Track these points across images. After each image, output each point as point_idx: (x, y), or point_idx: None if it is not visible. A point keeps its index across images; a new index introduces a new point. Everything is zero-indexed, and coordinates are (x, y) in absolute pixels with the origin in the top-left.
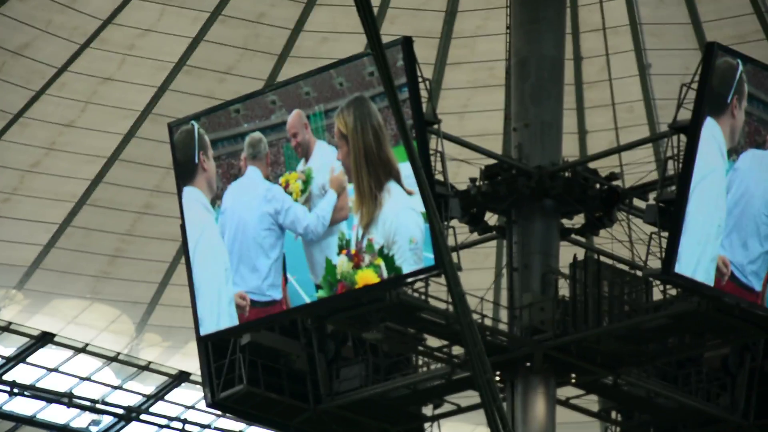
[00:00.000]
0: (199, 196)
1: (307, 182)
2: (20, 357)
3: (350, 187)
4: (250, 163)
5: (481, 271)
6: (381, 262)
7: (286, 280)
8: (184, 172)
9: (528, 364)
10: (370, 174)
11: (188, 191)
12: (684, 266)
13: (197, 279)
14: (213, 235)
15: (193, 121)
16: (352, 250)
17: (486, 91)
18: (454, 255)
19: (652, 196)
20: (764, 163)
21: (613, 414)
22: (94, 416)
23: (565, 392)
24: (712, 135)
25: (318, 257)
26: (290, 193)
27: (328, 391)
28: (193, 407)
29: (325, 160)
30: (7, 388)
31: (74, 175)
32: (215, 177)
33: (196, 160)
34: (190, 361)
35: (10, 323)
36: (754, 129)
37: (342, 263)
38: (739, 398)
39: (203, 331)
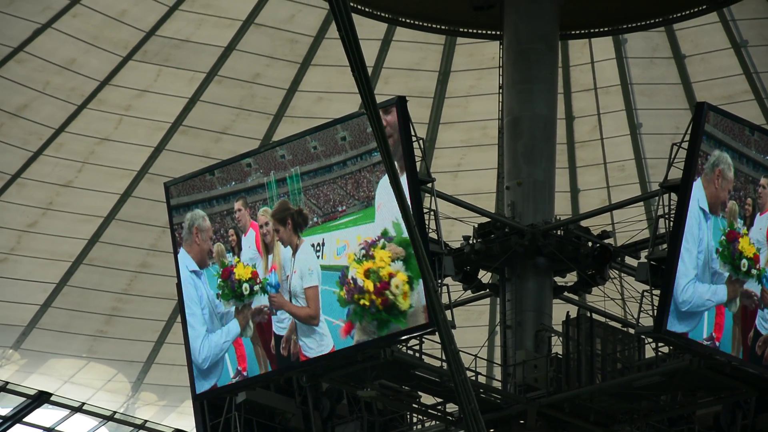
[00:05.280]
0: None
1: None
2: (17, 417)
3: None
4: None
5: (474, 328)
6: None
7: None
8: None
9: (522, 421)
10: None
11: None
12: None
13: None
14: None
15: None
16: None
17: (479, 150)
18: (447, 313)
19: (643, 254)
20: None
21: None
22: None
23: None
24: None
25: None
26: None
27: None
28: None
29: None
30: None
31: (71, 234)
32: None
33: None
34: (185, 419)
35: (7, 383)
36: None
37: None
38: None
39: (199, 390)
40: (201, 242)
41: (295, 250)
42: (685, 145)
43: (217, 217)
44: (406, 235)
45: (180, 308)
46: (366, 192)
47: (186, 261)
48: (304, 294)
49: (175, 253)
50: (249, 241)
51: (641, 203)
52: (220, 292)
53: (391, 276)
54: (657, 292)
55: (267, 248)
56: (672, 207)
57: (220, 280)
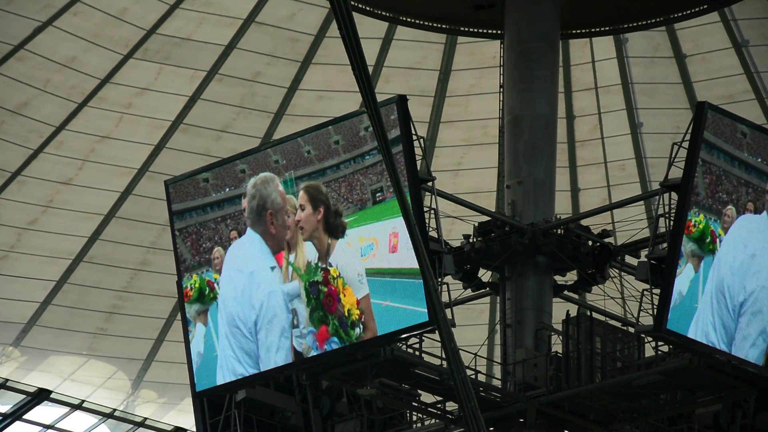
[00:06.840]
0: None
1: None
2: (16, 414)
3: None
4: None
5: (474, 327)
6: None
7: None
8: None
9: (521, 420)
10: None
11: None
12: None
13: None
14: None
15: None
16: None
17: (480, 148)
18: (447, 311)
19: (643, 253)
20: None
21: None
22: None
23: None
24: None
25: None
26: None
27: None
28: None
29: None
30: None
31: (71, 232)
32: None
33: None
34: (185, 417)
35: (7, 380)
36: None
37: None
38: None
39: (199, 387)
40: (278, 227)
41: (326, 252)
42: (686, 144)
43: (211, 224)
44: None
45: (180, 306)
46: (359, 195)
47: (258, 249)
48: None
49: (175, 250)
50: None
51: (641, 202)
52: (319, 322)
53: None
54: (657, 291)
55: (288, 246)
56: (672, 206)
57: (317, 310)
